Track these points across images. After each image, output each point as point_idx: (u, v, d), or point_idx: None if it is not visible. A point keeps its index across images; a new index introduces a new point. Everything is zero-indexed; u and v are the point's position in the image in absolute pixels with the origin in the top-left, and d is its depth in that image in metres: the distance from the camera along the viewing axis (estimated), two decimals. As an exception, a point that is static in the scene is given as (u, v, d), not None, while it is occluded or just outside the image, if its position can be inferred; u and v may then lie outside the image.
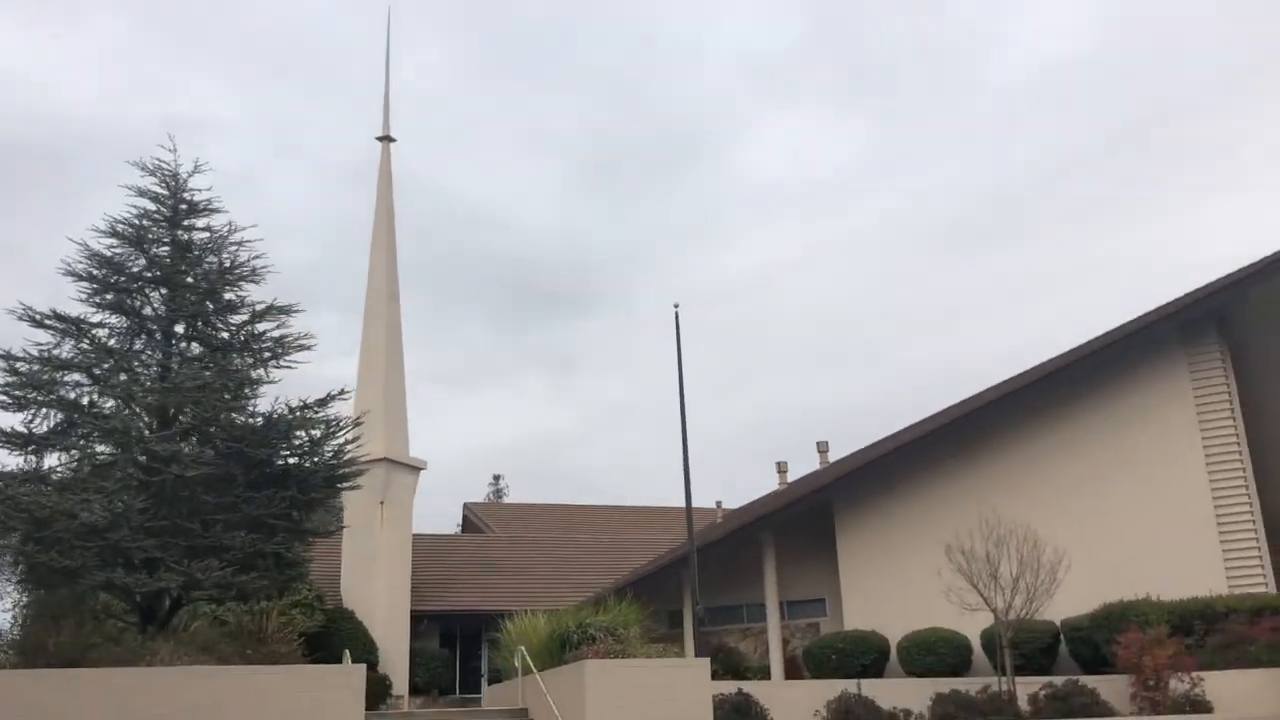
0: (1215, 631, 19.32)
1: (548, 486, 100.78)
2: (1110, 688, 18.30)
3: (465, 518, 45.11)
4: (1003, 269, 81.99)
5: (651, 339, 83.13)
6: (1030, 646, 22.41)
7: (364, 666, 13.32)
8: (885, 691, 17.50)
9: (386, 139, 30.40)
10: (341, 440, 16.29)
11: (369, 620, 25.86)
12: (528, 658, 14.99)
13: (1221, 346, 24.50)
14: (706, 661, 14.14)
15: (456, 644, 29.17)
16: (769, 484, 36.45)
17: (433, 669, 27.04)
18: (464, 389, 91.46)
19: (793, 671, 26.22)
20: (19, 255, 70.09)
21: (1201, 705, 17.84)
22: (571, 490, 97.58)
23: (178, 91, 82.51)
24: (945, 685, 17.48)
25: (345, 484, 17.00)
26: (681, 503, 21.83)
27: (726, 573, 29.10)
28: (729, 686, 16.30)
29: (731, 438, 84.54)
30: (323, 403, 16.17)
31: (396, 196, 30.51)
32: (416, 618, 27.33)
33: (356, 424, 16.71)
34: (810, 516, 27.83)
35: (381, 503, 26.97)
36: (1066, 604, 21.37)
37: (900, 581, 25.95)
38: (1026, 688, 17.74)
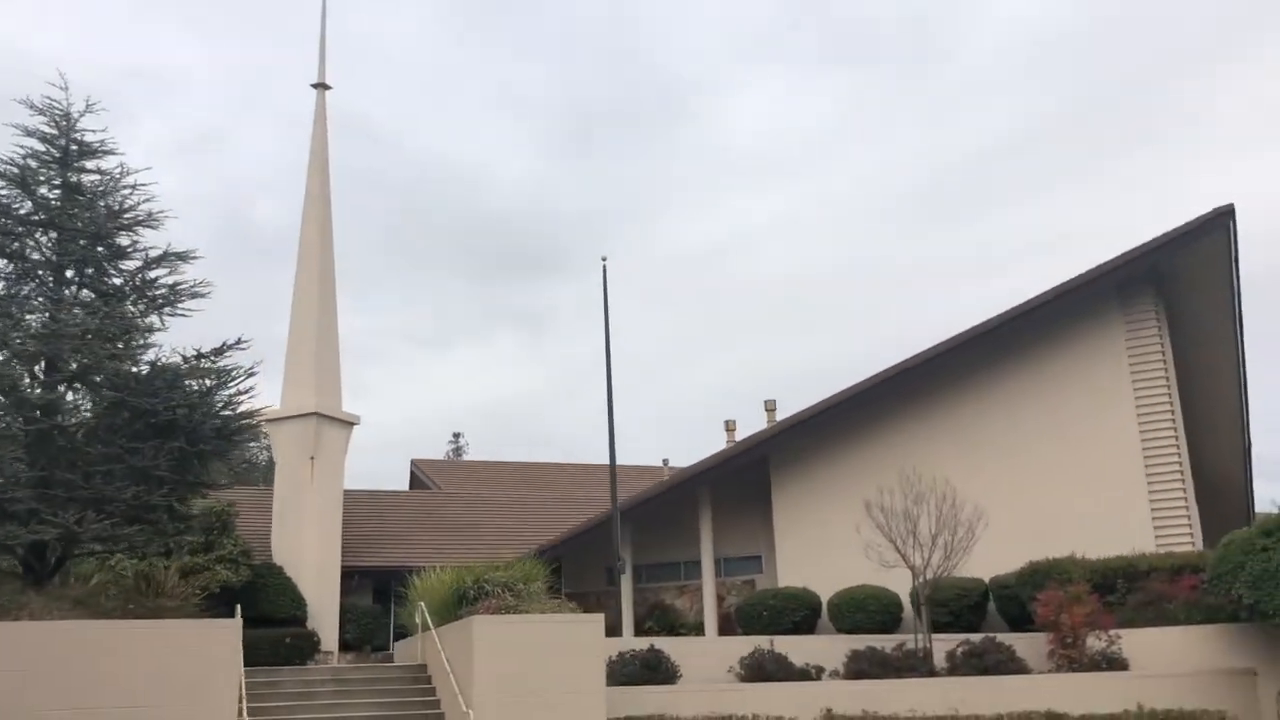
0: (1137, 590, 19.25)
1: (518, 447, 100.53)
2: (1029, 645, 18.21)
3: (413, 474, 44.64)
4: (980, 235, 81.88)
5: (627, 300, 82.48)
6: (960, 604, 22.33)
7: (239, 622, 12.92)
8: (802, 647, 17.33)
9: (322, 86, 29.52)
10: (234, 391, 15.75)
11: (298, 576, 25.42)
12: (426, 614, 14.66)
13: (1158, 307, 24.31)
14: (600, 618, 13.86)
15: (390, 600, 28.84)
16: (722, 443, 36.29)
17: (364, 625, 26.68)
18: (437, 348, 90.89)
19: (727, 628, 26.08)
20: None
21: (1118, 662, 17.77)
22: (546, 451, 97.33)
23: (146, 44, 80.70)
24: (861, 642, 17.32)
25: (240, 436, 16.47)
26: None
27: (666, 530, 28.89)
28: (642, 642, 16.03)
29: (701, 399, 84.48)
30: (219, 352, 15.59)
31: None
32: (349, 573, 26.92)
33: (249, 374, 16.17)
34: (748, 474, 27.60)
35: (312, 458, 26.46)
36: (1001, 562, 21.31)
37: (832, 539, 25.81)
38: (945, 644, 17.61)
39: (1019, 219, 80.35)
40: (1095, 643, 17.92)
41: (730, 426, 36.58)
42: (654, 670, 15.39)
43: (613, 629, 28.52)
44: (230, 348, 15.64)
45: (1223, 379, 27.13)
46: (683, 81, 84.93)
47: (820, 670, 16.22)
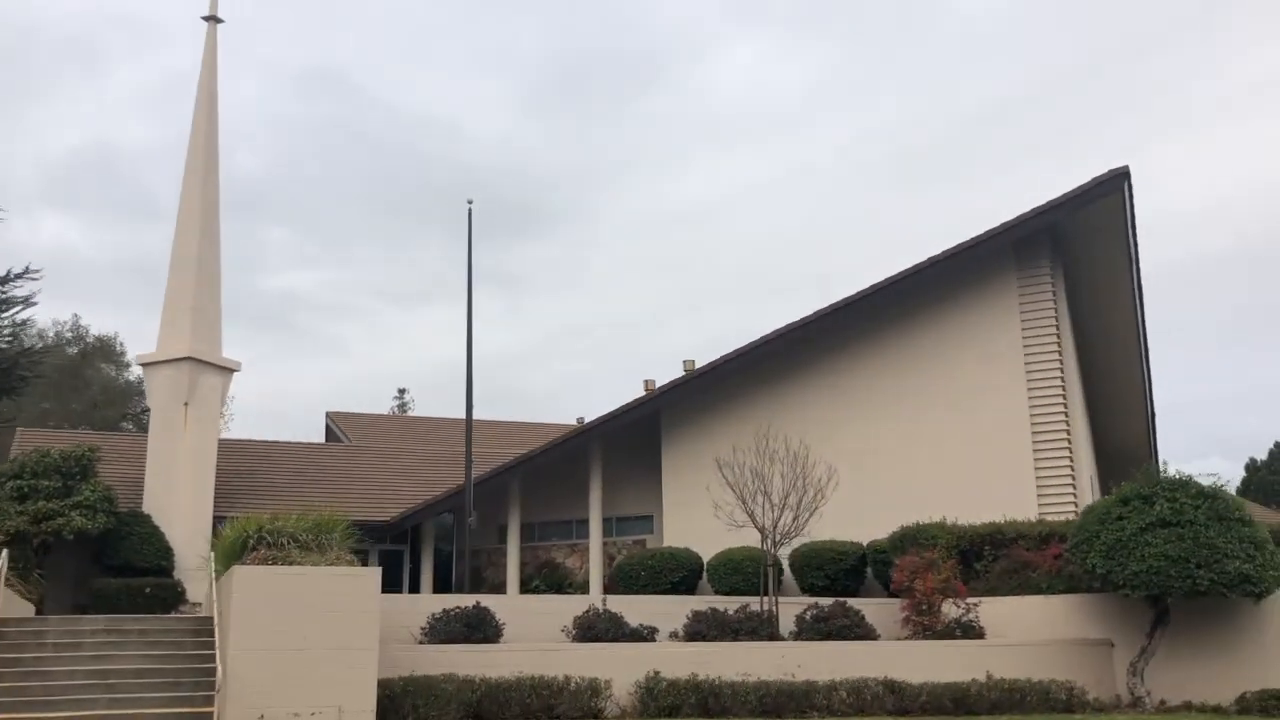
0: (1001, 557, 18.80)
1: (487, 405, 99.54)
2: (886, 611, 17.75)
3: (327, 427, 43.77)
4: (959, 202, 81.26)
5: (607, 261, 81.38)
6: (836, 568, 21.93)
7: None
8: (646, 608, 16.75)
9: (213, 19, 28.23)
10: (7, 324, 14.74)
11: (168, 525, 24.54)
12: (213, 562, 13.90)
13: (1054, 271, 23.75)
14: (376, 572, 13.16)
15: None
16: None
17: (237, 578, 25.88)
18: (416, 304, 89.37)
19: (612, 588, 25.54)
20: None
21: (974, 631, 17.35)
22: (507, 409, 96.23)
23: None
24: (705, 603, 16.72)
25: (24, 371, 15.47)
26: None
27: (558, 488, 28.26)
28: (468, 600, 15.35)
29: (675, 361, 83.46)
30: (3, 281, 14.65)
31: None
32: (221, 523, 26.09)
33: (29, 304, 15.14)
34: (642, 434, 26.97)
35: (186, 404, 25.51)
36: (889, 526, 20.83)
37: (709, 502, 25.28)
38: (793, 608, 17.09)
39: (1005, 185, 79.94)
40: (953, 610, 17.48)
41: (649, 386, 35.97)
42: (474, 628, 14.71)
43: (499, 586, 28.14)
44: (16, 277, 14.67)
45: (1128, 350, 26.77)
46: (666, 42, 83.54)
47: (654, 631, 15.62)
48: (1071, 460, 22.61)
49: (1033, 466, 22.55)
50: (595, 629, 15.32)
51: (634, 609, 16.28)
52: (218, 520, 26.37)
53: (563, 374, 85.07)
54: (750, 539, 23.40)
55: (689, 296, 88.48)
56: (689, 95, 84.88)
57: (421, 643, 14.65)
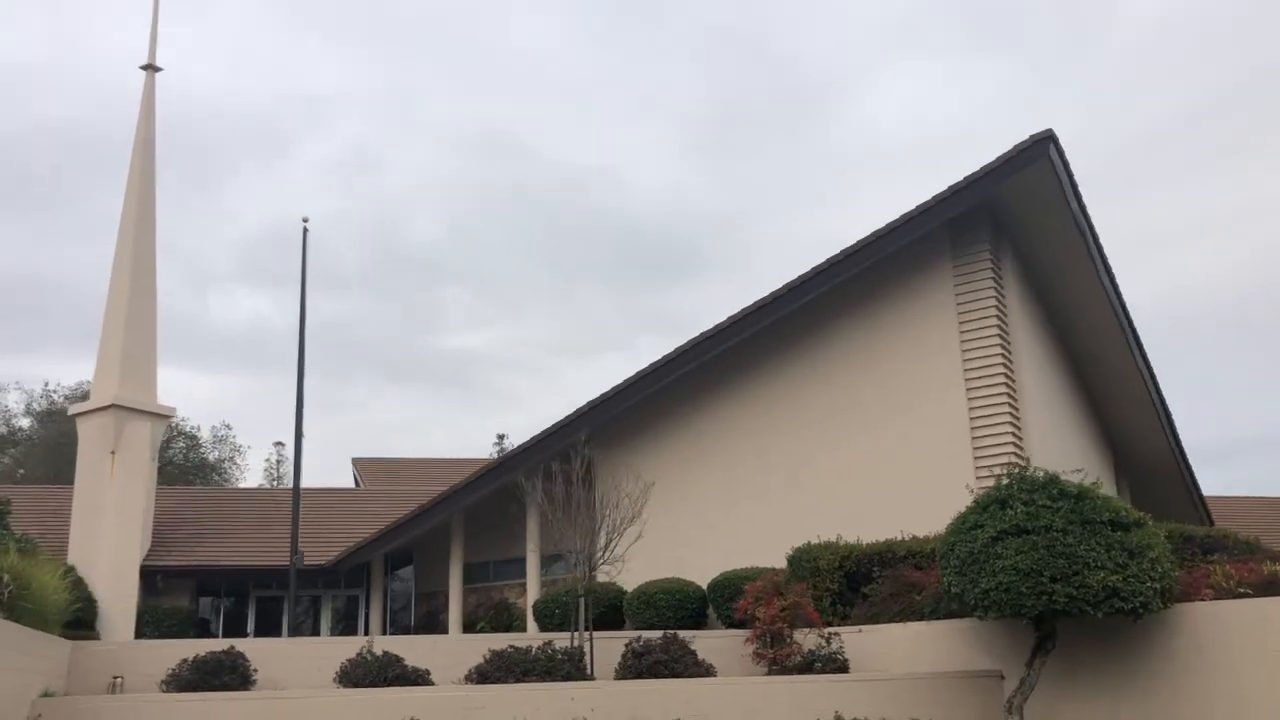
0: (885, 579, 16.37)
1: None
2: (731, 645, 15.57)
3: (354, 474, 43.56)
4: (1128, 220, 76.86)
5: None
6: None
7: None
8: (444, 647, 15.10)
9: (151, 68, 28.32)
10: None
11: (90, 575, 24.13)
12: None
13: (998, 253, 21.14)
14: None
15: (222, 599, 27.53)
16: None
17: (166, 626, 25.18)
18: (587, 353, 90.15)
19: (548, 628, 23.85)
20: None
21: (835, 664, 14.98)
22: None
23: (305, 71, 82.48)
24: (504, 640, 14.90)
25: None
26: None
27: (509, 525, 26.71)
28: (221, 644, 13.99)
29: None
30: None
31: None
32: (154, 572, 25.56)
33: None
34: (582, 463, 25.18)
35: (113, 452, 25.15)
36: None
37: (649, 530, 23.28)
38: (614, 643, 15.12)
39: (1172, 201, 75.13)
40: (815, 640, 15.19)
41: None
42: (214, 675, 13.30)
43: (444, 627, 26.69)
44: None
45: (1111, 334, 23.74)
46: (819, 76, 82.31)
47: (427, 674, 13.86)
48: (1023, 465, 19.76)
49: (974, 475, 19.86)
50: (361, 674, 13.71)
51: (432, 649, 14.64)
52: (154, 571, 25.97)
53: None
54: (684, 571, 21.57)
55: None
56: (848, 129, 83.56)
57: (166, 691, 13.36)
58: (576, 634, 14.89)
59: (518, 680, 13.75)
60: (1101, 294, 22.14)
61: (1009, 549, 12.95)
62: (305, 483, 25.35)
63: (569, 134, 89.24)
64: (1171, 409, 26.01)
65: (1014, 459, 19.76)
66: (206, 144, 79.47)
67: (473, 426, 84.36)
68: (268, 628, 27.90)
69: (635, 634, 15.11)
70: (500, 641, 14.73)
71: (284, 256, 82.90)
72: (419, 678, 13.77)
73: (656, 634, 15.07)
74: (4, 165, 69.44)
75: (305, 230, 18.72)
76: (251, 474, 54.18)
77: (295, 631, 26.95)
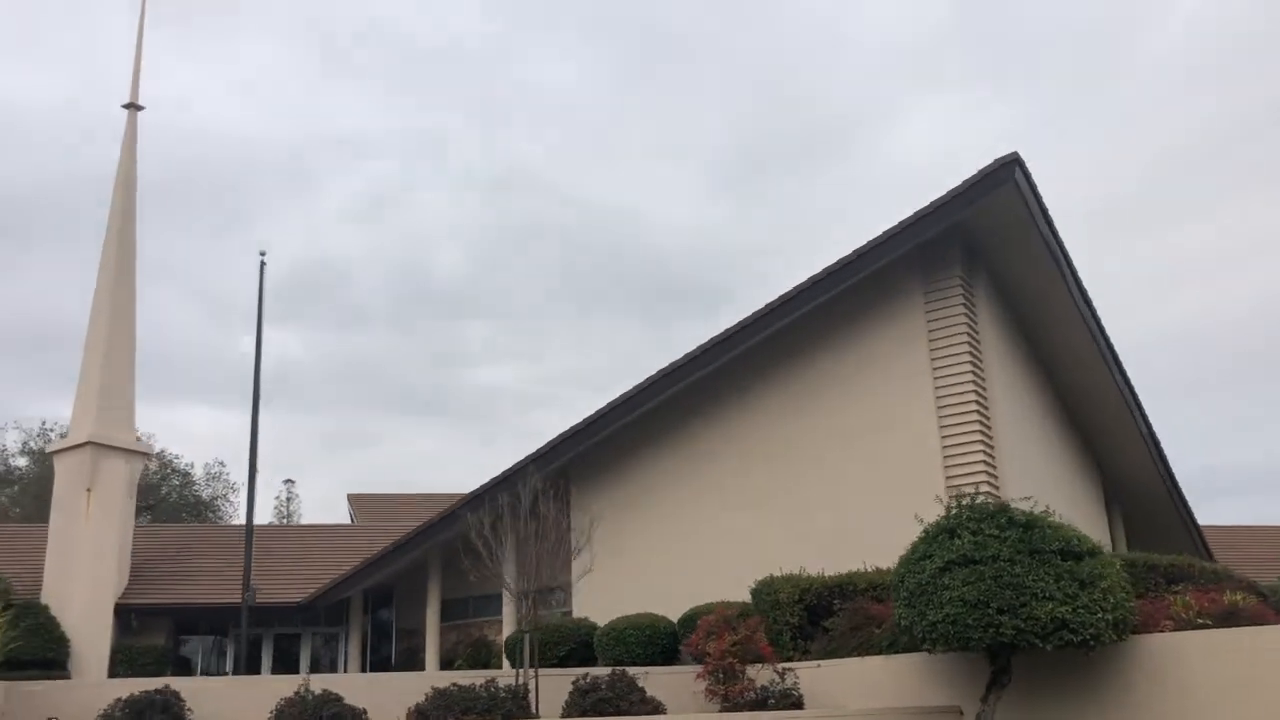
0: (843, 612, 15.97)
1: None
2: (684, 681, 15.18)
3: (349, 510, 43.38)
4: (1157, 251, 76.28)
5: None
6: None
7: None
8: (389, 685, 14.77)
9: (133, 107, 28.57)
10: None
11: (63, 615, 23.96)
12: None
13: (971, 279, 20.83)
14: None
15: (199, 638, 27.27)
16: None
17: (140, 665, 24.92)
18: (610, 387, 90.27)
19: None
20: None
21: (789, 700, 14.57)
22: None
23: (334, 111, 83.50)
24: (447, 679, 14.56)
25: None
26: None
27: (485, 562, 26.35)
28: (155, 683, 13.72)
29: None
30: None
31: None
32: (129, 611, 25.35)
33: None
34: (561, 494, 24.91)
35: (88, 490, 25.05)
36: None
37: (623, 565, 22.96)
38: (565, 680, 14.75)
39: (1200, 231, 74.57)
40: (770, 676, 14.80)
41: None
42: (147, 715, 13.03)
43: (423, 665, 26.31)
44: None
45: (1092, 362, 23.34)
46: (845, 111, 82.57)
47: (364, 713, 13.55)
48: (996, 493, 19.38)
49: (946, 505, 19.39)
50: (296, 713, 13.40)
51: (371, 687, 14.31)
52: (130, 609, 25.77)
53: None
54: (657, 606, 21.18)
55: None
56: (875, 161, 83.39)
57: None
58: (522, 671, 14.54)
59: (458, 719, 13.41)
60: (1079, 321, 21.78)
61: (956, 580, 12.58)
62: (317, 518, 25.28)
63: (593, 171, 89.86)
64: (1168, 437, 25.62)
65: (987, 488, 19.43)
66: (235, 183, 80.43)
67: (490, 462, 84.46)
68: (255, 666, 27.65)
69: (584, 671, 14.73)
70: (444, 679, 14.37)
71: (311, 294, 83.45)
72: (355, 717, 13.46)
73: (605, 671, 14.70)
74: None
75: (263, 263, 18.68)
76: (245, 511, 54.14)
77: (276, 670, 26.69)
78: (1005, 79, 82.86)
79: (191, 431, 59.92)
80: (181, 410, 74.65)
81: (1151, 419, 24.64)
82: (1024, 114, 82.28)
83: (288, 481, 58.83)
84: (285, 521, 55.63)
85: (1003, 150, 18.45)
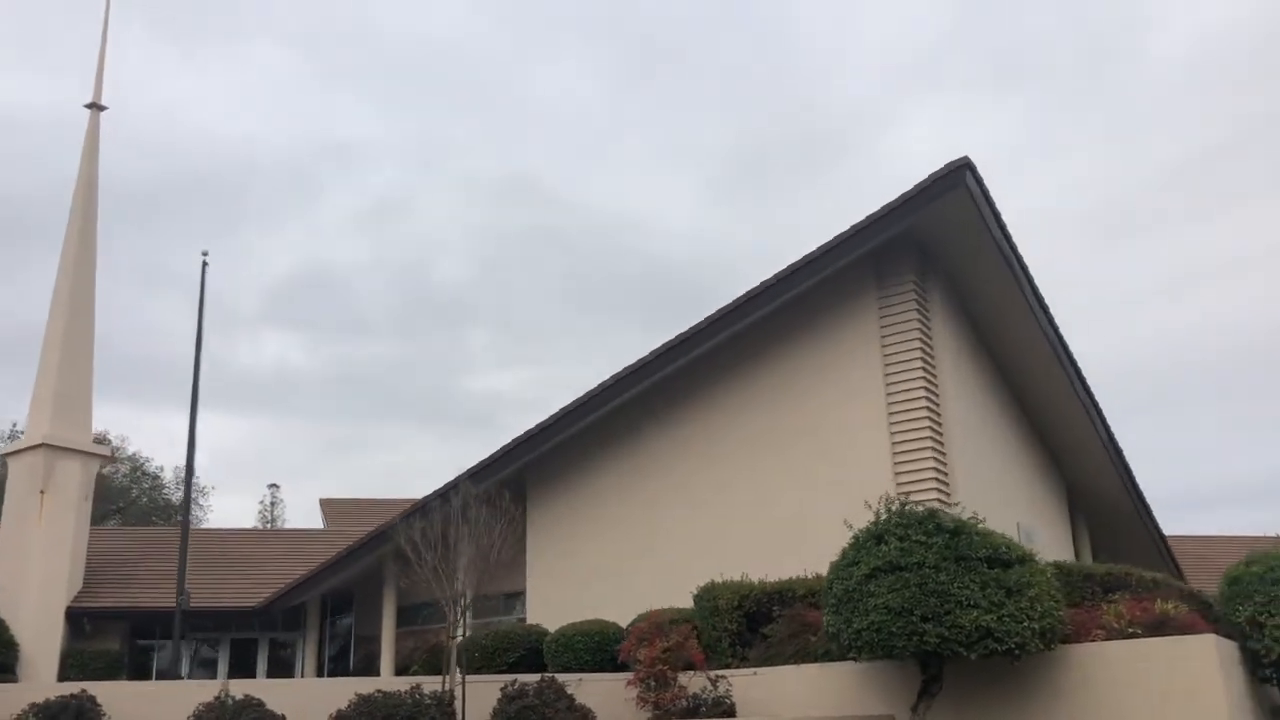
0: (781, 619, 15.78)
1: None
2: (618, 688, 14.97)
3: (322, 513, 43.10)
4: (1163, 255, 75.92)
5: None
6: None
7: None
8: (314, 690, 14.60)
9: (96, 107, 28.39)
10: None
11: (14, 618, 23.66)
12: None
13: (925, 285, 20.68)
14: None
15: (156, 643, 26.98)
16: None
17: (92, 669, 24.59)
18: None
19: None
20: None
21: (722, 708, 14.38)
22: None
23: (337, 118, 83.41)
24: (372, 685, 14.37)
25: None
26: None
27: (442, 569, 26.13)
28: (72, 688, 13.53)
29: None
30: None
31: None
32: (81, 615, 25.08)
33: None
34: (518, 500, 24.70)
35: (42, 492, 24.78)
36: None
37: (577, 570, 22.78)
38: (493, 687, 14.56)
39: (1205, 235, 74.34)
40: (702, 684, 14.61)
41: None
42: (59, 720, 12.83)
43: (379, 671, 26.04)
44: None
45: (1051, 371, 23.18)
46: (846, 115, 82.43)
47: (283, 719, 13.34)
48: (945, 498, 19.22)
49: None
50: (214, 718, 13.20)
51: (292, 692, 14.10)
52: (83, 613, 25.50)
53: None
54: (607, 612, 20.93)
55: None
56: (875, 166, 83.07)
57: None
58: (447, 678, 14.33)
59: (377, 726, 13.20)
60: (1036, 329, 21.64)
61: (882, 587, 12.44)
62: (303, 524, 25.00)
63: (594, 177, 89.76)
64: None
65: (935, 493, 19.28)
66: (239, 188, 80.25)
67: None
68: (211, 670, 27.41)
69: (512, 678, 14.52)
70: (368, 685, 14.17)
71: (314, 301, 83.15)
72: (279, 721, 13.24)
73: (535, 678, 14.51)
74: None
75: (205, 265, 18.54)
76: (215, 515, 53.87)
77: (232, 675, 26.38)
78: (1005, 84, 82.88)
79: (179, 436, 59.59)
80: (177, 417, 74.29)
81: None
82: (1024, 118, 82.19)
83: (272, 486, 58.60)
84: (269, 526, 55.35)
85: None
